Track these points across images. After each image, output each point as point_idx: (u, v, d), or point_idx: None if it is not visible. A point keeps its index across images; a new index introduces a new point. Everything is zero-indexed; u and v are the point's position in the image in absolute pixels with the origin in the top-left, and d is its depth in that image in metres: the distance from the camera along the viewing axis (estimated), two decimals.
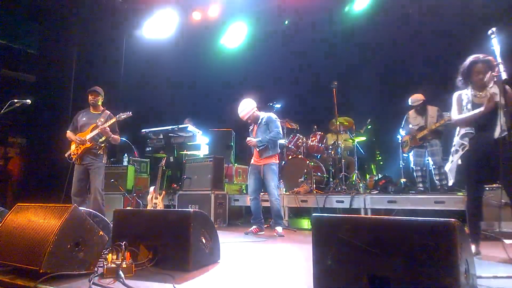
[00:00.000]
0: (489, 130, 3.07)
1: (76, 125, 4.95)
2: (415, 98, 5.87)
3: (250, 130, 5.11)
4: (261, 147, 4.78)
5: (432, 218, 1.68)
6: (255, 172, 4.90)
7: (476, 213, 3.19)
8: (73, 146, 4.85)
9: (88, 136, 4.75)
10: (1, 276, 2.28)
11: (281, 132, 5.01)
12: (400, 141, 6.36)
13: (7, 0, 7.42)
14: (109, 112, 4.97)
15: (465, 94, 3.26)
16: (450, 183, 3.42)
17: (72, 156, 4.81)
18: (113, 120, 4.80)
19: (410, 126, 5.92)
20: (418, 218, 1.72)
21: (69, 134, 4.93)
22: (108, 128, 4.75)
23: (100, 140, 4.84)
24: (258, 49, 8.79)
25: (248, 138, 4.89)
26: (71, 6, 7.80)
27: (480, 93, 3.18)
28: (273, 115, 4.97)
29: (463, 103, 3.24)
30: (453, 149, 3.34)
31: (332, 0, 7.95)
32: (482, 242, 3.20)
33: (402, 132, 6.14)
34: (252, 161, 5.02)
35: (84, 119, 4.94)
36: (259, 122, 4.93)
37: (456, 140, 3.32)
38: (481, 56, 3.14)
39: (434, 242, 1.62)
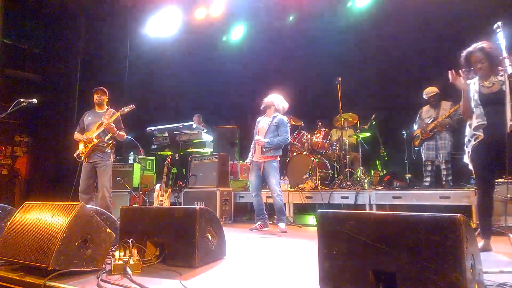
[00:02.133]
0: (498, 123, 3.03)
1: (83, 126, 5.04)
2: (429, 90, 5.75)
3: (257, 126, 5.09)
4: (267, 148, 4.79)
5: (437, 213, 1.68)
6: (256, 169, 4.92)
7: (487, 208, 3.12)
8: (81, 146, 4.92)
9: (95, 134, 4.81)
10: (10, 274, 2.31)
11: (289, 138, 5.02)
12: (405, 137, 6.33)
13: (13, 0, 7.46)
14: (113, 110, 5.04)
15: (473, 84, 3.21)
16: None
17: (80, 154, 4.88)
18: (117, 114, 4.87)
19: (423, 120, 5.84)
20: (424, 213, 1.71)
21: (76, 135, 5.02)
22: (113, 124, 4.81)
23: (107, 137, 4.90)
24: (263, 45, 8.77)
25: (257, 137, 4.86)
26: (76, 5, 7.84)
27: (486, 82, 3.13)
28: (286, 119, 4.96)
29: (470, 94, 3.19)
30: (466, 139, 3.27)
31: None
32: None
33: (415, 127, 6.06)
34: (253, 158, 5.01)
35: (90, 118, 5.02)
36: (270, 120, 4.91)
37: (468, 130, 3.24)
38: (478, 45, 3.09)
39: (440, 237, 1.62)
